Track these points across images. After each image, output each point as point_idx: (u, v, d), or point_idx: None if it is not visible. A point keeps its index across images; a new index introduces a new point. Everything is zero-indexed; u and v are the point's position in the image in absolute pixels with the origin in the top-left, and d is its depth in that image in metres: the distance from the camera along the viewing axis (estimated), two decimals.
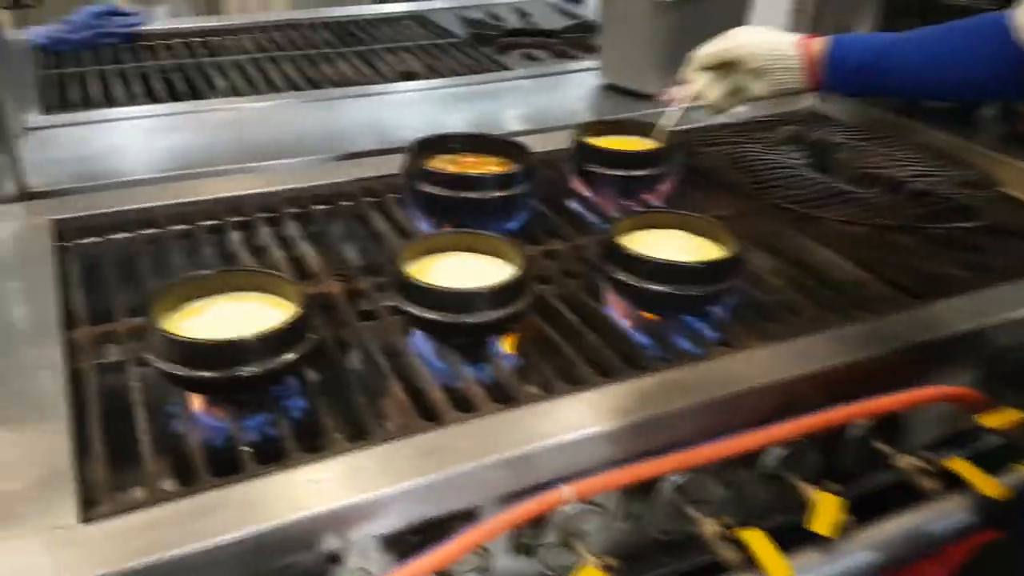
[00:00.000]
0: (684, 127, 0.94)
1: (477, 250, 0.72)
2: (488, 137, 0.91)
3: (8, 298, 0.69)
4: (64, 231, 0.79)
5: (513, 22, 1.66)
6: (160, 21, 1.54)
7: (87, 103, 1.17)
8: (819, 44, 0.80)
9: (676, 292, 0.68)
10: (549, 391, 0.62)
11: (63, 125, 1.05)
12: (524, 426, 0.58)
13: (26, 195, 0.85)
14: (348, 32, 1.54)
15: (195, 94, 1.23)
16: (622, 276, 0.70)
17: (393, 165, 0.88)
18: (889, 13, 1.22)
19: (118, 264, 0.76)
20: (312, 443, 0.57)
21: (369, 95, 1.24)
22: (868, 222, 0.87)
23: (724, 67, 0.85)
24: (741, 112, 1.20)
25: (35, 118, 1.06)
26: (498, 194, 0.82)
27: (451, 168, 0.87)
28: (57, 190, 0.87)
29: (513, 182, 0.83)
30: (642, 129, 0.95)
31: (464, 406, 0.60)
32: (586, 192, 0.92)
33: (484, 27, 1.61)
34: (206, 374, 0.56)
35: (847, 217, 0.88)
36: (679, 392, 0.62)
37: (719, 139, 1.05)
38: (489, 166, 0.88)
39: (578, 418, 0.59)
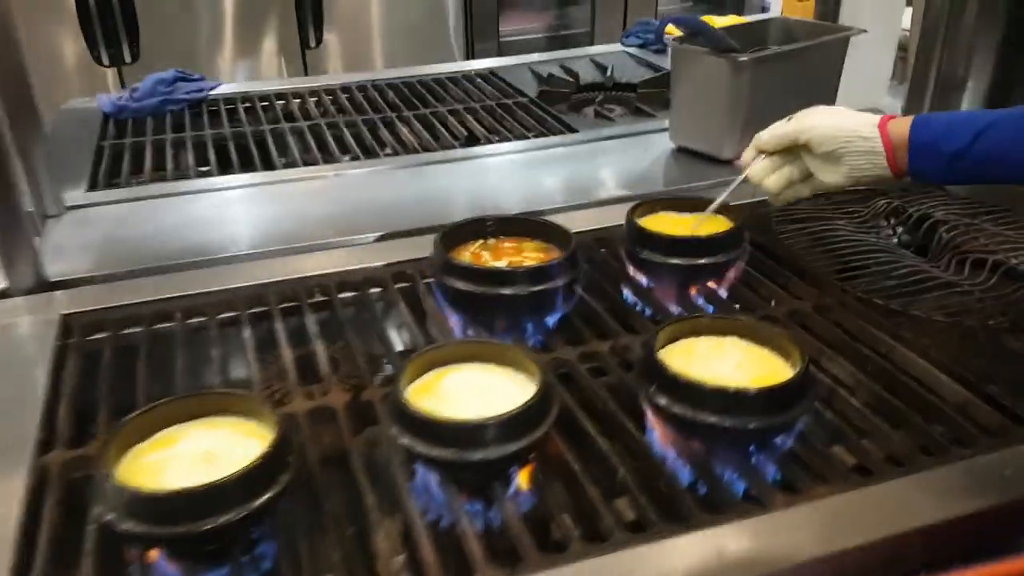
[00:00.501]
0: (760, 198, 0.83)
1: (494, 361, 0.62)
2: (524, 219, 0.82)
3: None
4: (71, 327, 0.75)
5: (589, 76, 1.58)
6: (230, 85, 1.52)
7: (137, 176, 1.15)
8: (901, 125, 0.68)
9: (728, 425, 0.57)
10: (562, 548, 0.52)
11: (105, 203, 1.03)
12: None
13: (43, 285, 0.81)
14: (415, 93, 1.49)
15: (253, 165, 1.19)
16: (663, 400, 0.59)
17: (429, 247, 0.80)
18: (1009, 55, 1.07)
19: (116, 367, 0.70)
20: None
21: (420, 164, 1.17)
22: (973, 321, 0.73)
23: (791, 151, 0.74)
24: None
25: (77, 195, 1.04)
26: (533, 289, 0.73)
27: (487, 255, 0.79)
28: (78, 279, 0.84)
29: (550, 275, 0.74)
30: (706, 206, 0.85)
31: (458, 564, 0.50)
32: (641, 280, 0.82)
33: (555, 83, 1.53)
34: (154, 530, 0.49)
35: (947, 314, 0.74)
36: (723, 565, 0.50)
37: (800, 214, 0.93)
38: (528, 252, 0.79)
39: None
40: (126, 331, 0.76)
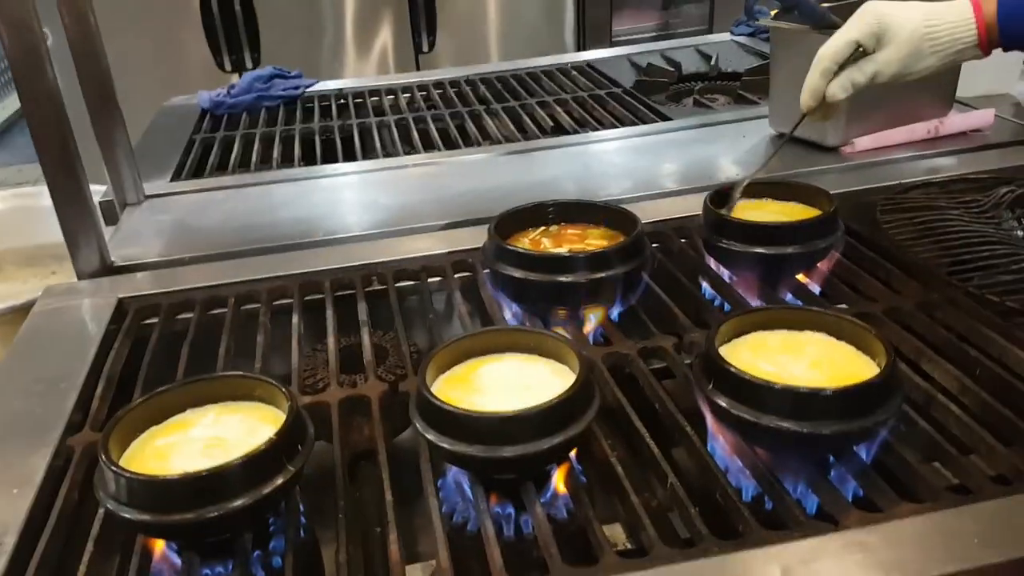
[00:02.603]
0: (865, 186, 0.74)
1: (532, 351, 0.57)
2: (590, 204, 0.75)
3: (30, 390, 0.64)
4: (125, 311, 0.74)
5: (693, 66, 1.49)
6: (325, 82, 1.53)
7: (223, 167, 1.16)
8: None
9: (798, 430, 0.49)
10: (592, 560, 0.46)
11: (183, 192, 1.04)
12: None
13: (107, 270, 0.82)
14: (507, 87, 1.45)
15: (332, 157, 1.18)
16: (722, 401, 0.52)
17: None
18: None
19: (161, 351, 0.69)
20: None
21: (512, 153, 1.12)
22: None
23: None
24: (945, 165, 0.96)
25: (160, 184, 1.05)
26: (592, 277, 0.67)
27: (547, 242, 0.73)
28: (140, 264, 0.84)
29: (611, 262, 0.67)
30: (800, 192, 0.76)
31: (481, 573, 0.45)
32: (721, 271, 0.74)
33: (654, 73, 1.46)
34: (161, 519, 0.46)
35: None
36: None
37: (909, 203, 0.82)
38: (592, 239, 0.73)
39: None
40: (179, 316, 0.75)
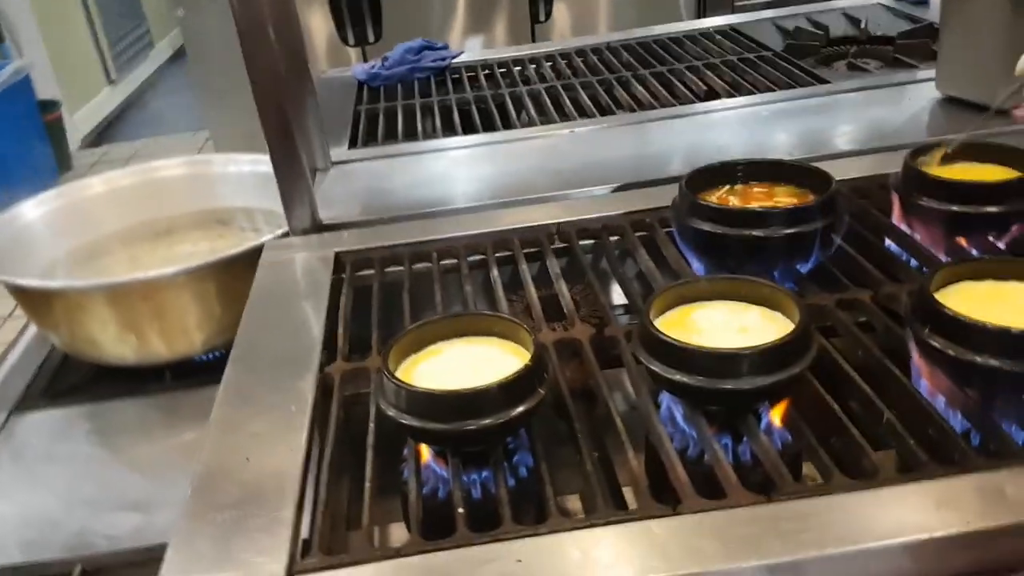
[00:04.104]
0: None
1: (745, 299, 0.61)
2: (779, 163, 0.78)
3: (282, 327, 0.73)
4: (342, 264, 0.82)
5: (840, 29, 1.48)
6: (469, 54, 1.60)
7: (391, 137, 1.24)
8: None
9: (1012, 369, 0.52)
10: (825, 483, 0.50)
11: (366, 159, 1.12)
12: (785, 527, 0.47)
13: (318, 227, 0.90)
14: (649, 53, 1.48)
15: (494, 125, 1.25)
16: (937, 342, 0.55)
17: (665, 197, 0.80)
18: None
19: (386, 298, 0.77)
20: (531, 512, 0.51)
21: (670, 118, 1.16)
22: None
23: None
24: None
25: (342, 152, 1.14)
26: (786, 231, 0.70)
27: (734, 200, 0.77)
28: (347, 222, 0.92)
29: (807, 217, 0.70)
30: (992, 153, 0.77)
31: (710, 489, 0.50)
32: (909, 230, 0.76)
33: (803, 36, 1.45)
34: (431, 425, 0.53)
35: None
36: (1001, 503, 0.46)
37: None
38: (782, 197, 0.77)
39: (861, 524, 0.46)
40: (389, 269, 0.82)
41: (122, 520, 0.73)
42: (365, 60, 2.29)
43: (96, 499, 0.77)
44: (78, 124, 4.46)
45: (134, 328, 0.87)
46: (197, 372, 0.91)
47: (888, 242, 0.76)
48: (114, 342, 0.88)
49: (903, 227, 0.76)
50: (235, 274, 0.85)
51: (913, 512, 0.47)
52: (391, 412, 0.53)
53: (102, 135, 4.72)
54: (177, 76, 5.31)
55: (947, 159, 0.77)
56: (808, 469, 0.57)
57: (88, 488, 0.78)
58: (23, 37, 4.12)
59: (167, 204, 1.09)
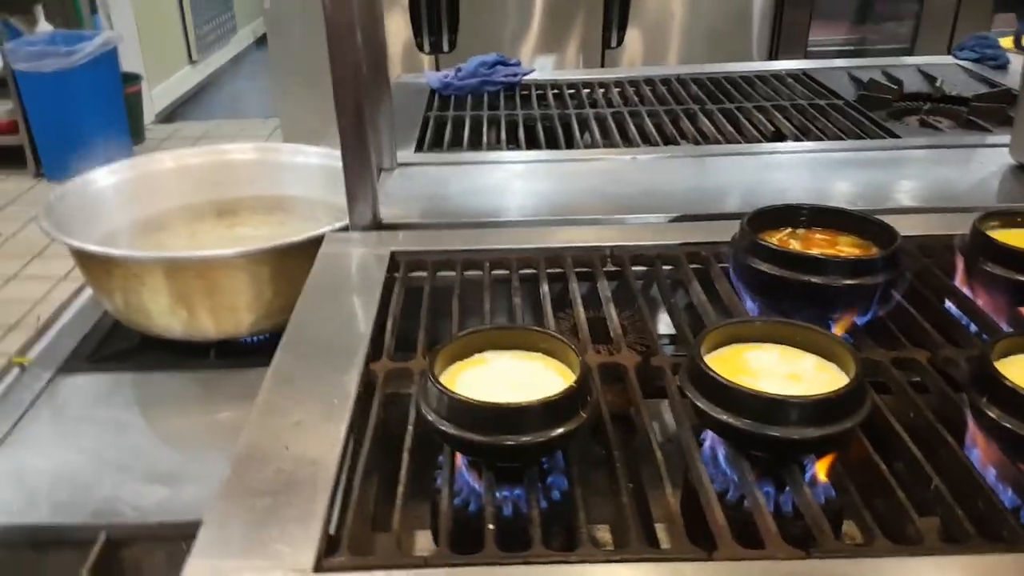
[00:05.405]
0: None
1: (800, 345, 0.60)
2: (845, 212, 0.77)
3: (334, 319, 0.73)
4: (397, 263, 0.83)
5: (914, 86, 1.46)
6: (540, 72, 1.61)
7: (456, 145, 1.25)
8: None
9: None
10: (867, 544, 0.49)
11: (430, 164, 1.13)
12: None
13: (378, 225, 0.91)
14: (719, 88, 1.48)
15: (559, 144, 1.25)
16: (993, 412, 0.53)
17: (723, 232, 0.79)
18: None
19: (435, 301, 0.77)
20: (560, 536, 0.51)
21: (734, 155, 1.15)
22: None
23: None
24: None
25: (408, 154, 1.15)
26: (847, 281, 0.69)
27: (794, 244, 0.76)
28: (405, 223, 0.92)
29: (870, 270, 0.69)
30: None
31: (748, 538, 0.49)
32: (972, 294, 0.75)
33: (876, 88, 1.44)
34: (469, 436, 0.53)
35: None
36: None
37: None
38: (842, 246, 0.75)
39: None
40: (441, 273, 0.82)
41: (150, 491, 0.74)
42: (438, 68, 2.33)
43: (128, 466, 0.78)
44: (155, 99, 4.59)
45: (186, 303, 0.88)
46: (241, 353, 0.93)
47: (949, 304, 0.74)
48: (165, 314, 0.90)
49: (966, 291, 0.74)
50: (291, 261, 0.86)
51: None
52: (431, 417, 0.53)
53: (176, 112, 4.84)
54: (255, 63, 5.45)
55: (1005, 226, 0.75)
56: (848, 528, 0.56)
57: (121, 455, 0.80)
58: (115, 10, 4.25)
59: (233, 186, 1.11)
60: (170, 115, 4.78)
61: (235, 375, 0.89)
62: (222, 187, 1.10)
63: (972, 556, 0.47)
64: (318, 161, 1.09)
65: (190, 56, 5.09)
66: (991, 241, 0.72)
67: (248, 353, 0.92)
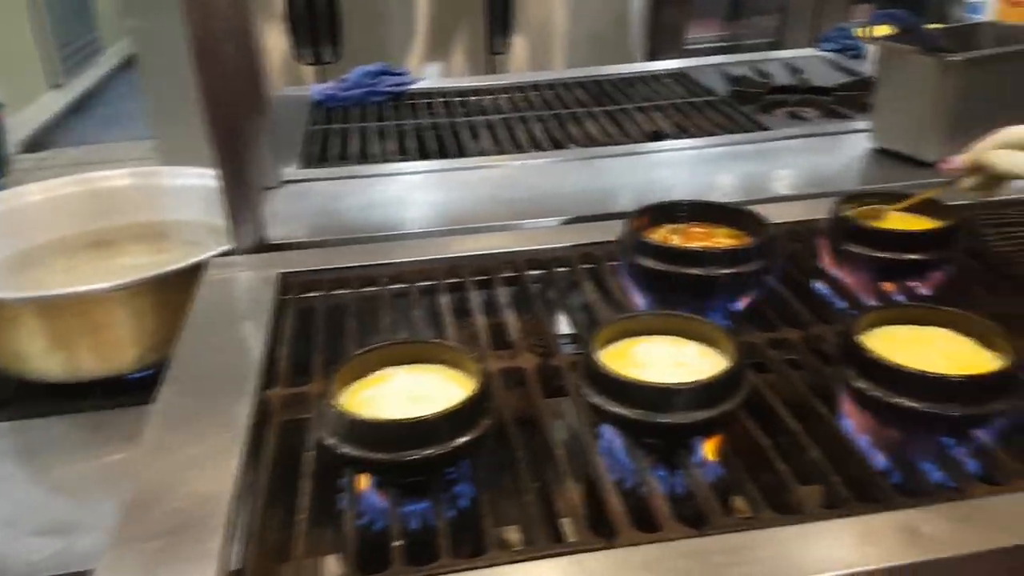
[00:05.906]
0: (963, 202, 0.79)
1: (684, 335, 0.63)
2: (719, 205, 0.81)
3: (222, 348, 0.72)
4: (288, 285, 0.82)
5: (782, 79, 1.54)
6: (427, 81, 1.61)
7: (344, 158, 1.24)
8: None
9: (930, 410, 0.55)
10: (753, 517, 0.52)
11: (317, 179, 1.12)
12: (716, 561, 0.48)
13: (263, 247, 0.90)
14: (602, 91, 1.52)
15: (448, 152, 1.26)
16: (861, 384, 0.57)
17: (612, 232, 0.82)
18: None
19: (331, 322, 0.76)
20: (470, 543, 0.52)
21: (621, 155, 1.19)
22: None
23: None
24: None
25: (293, 171, 1.14)
26: (725, 271, 0.72)
27: (675, 239, 0.79)
28: (293, 243, 0.91)
29: (743, 258, 0.73)
30: (922, 207, 0.81)
31: (645, 522, 0.51)
32: (838, 273, 0.79)
33: (747, 84, 1.51)
34: (371, 455, 0.53)
35: None
36: (916, 540, 0.48)
37: (1014, 219, 0.87)
38: (719, 238, 0.79)
39: (788, 559, 0.48)
40: (336, 291, 0.82)
41: (42, 544, 0.71)
42: (324, 81, 2.30)
43: (15, 521, 0.74)
44: (16, 127, 4.34)
45: (65, 343, 0.84)
46: (128, 390, 0.89)
47: (818, 285, 0.79)
48: (42, 356, 0.85)
49: (831, 271, 0.79)
50: (173, 290, 0.84)
51: (837, 547, 0.49)
52: (330, 441, 0.53)
53: (43, 140, 4.59)
54: (126, 83, 5.22)
55: (862, 207, 0.80)
56: (739, 503, 0.59)
57: (7, 509, 0.76)
58: None
59: (109, 215, 1.07)
60: (36, 143, 4.52)
61: (124, 414, 0.86)
62: (97, 217, 1.06)
63: (851, 519, 0.51)
64: (198, 182, 1.06)
65: (54, 80, 4.85)
66: (849, 222, 0.77)
67: (136, 389, 0.88)
